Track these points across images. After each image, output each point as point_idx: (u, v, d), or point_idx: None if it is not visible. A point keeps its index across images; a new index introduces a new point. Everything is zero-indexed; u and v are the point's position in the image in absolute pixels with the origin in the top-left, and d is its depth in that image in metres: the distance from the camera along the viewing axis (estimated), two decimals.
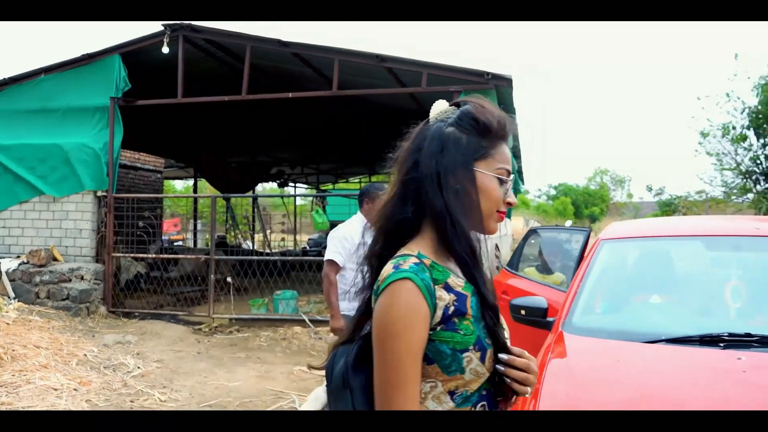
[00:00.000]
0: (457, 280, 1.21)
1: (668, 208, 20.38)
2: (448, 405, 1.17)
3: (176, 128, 12.54)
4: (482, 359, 1.17)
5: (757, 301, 2.75)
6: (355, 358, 1.23)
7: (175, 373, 5.94)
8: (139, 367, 5.99)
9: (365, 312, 1.28)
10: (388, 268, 1.17)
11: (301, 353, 6.86)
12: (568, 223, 12.01)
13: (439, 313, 1.15)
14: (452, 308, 1.16)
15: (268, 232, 17.27)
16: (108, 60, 8.65)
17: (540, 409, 2.08)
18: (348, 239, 3.83)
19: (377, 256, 1.28)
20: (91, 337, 7.11)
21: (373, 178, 22.23)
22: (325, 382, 1.30)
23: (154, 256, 9.26)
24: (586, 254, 3.32)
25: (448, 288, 1.19)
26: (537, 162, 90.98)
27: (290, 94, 8.48)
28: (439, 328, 1.15)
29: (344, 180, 21.76)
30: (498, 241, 8.01)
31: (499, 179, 1.25)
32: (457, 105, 1.31)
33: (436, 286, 1.17)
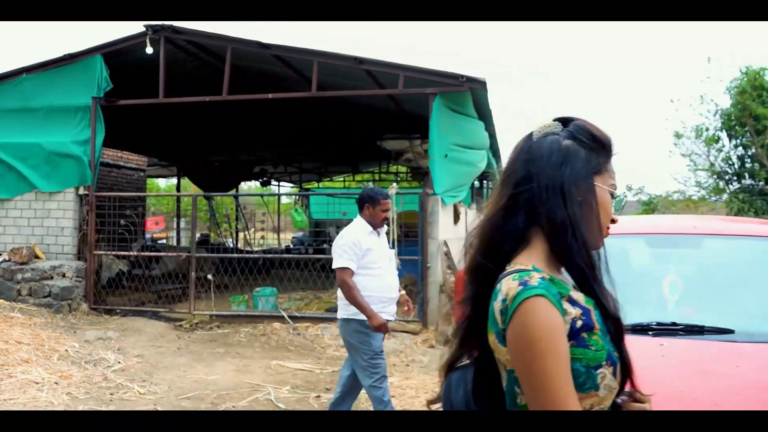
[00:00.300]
0: (578, 294, 1.20)
1: (648, 207, 20.80)
2: None
3: (159, 127, 12.63)
4: (614, 374, 1.17)
5: (690, 294, 2.97)
6: (474, 388, 1.22)
7: (155, 367, 6.10)
8: (119, 362, 6.13)
9: (472, 326, 1.26)
10: (513, 285, 1.14)
11: (280, 348, 7.03)
12: None
13: (567, 327, 1.13)
14: (580, 322, 1.14)
15: (252, 230, 17.37)
16: (90, 60, 8.75)
17: None
18: (358, 245, 3.89)
19: (480, 267, 1.25)
20: (72, 334, 7.23)
21: (357, 177, 22.43)
22: None
23: (135, 253, 9.38)
24: None
25: (572, 302, 1.17)
26: None
27: (270, 95, 8.64)
28: (570, 344, 1.12)
29: (328, 179, 21.91)
30: (449, 242, 8.23)
31: (612, 194, 1.28)
32: (561, 120, 1.31)
33: (561, 300, 1.15)
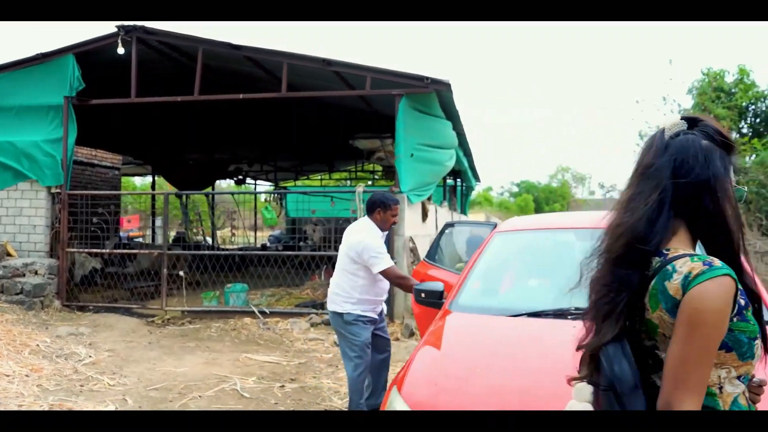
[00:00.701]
0: None
1: None
2: (740, 388, 1.31)
3: (134, 126, 12.72)
4: (762, 346, 1.33)
5: None
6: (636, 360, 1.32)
7: (125, 360, 6.26)
8: (90, 356, 6.29)
9: (617, 305, 1.34)
10: (697, 265, 1.27)
11: (249, 342, 7.23)
12: (482, 217, 12.61)
13: (734, 305, 1.27)
14: (742, 300, 1.29)
15: (228, 228, 17.49)
16: (62, 60, 8.85)
17: (412, 360, 2.55)
18: (383, 246, 4.14)
19: (633, 254, 1.35)
20: (44, 330, 7.35)
21: (335, 176, 22.62)
22: (580, 381, 1.41)
23: (108, 251, 9.49)
24: (482, 245, 3.80)
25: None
26: (501, 160, 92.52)
27: (241, 96, 8.82)
28: (735, 319, 1.27)
29: (305, 177, 22.07)
30: (415, 238, 8.52)
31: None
32: (687, 120, 1.42)
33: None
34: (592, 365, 1.39)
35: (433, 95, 8.48)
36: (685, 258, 1.30)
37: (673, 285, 1.28)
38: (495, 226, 4.74)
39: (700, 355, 1.23)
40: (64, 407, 4.74)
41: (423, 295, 3.47)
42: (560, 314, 2.86)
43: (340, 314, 4.18)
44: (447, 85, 8.11)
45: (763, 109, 13.52)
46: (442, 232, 5.56)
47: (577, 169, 64.75)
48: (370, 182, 19.88)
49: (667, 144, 1.39)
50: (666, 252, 1.35)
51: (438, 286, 3.46)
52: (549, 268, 3.53)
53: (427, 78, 7.97)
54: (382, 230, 4.25)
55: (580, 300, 3.10)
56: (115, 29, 8.65)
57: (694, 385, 1.23)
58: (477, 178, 18.95)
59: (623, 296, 1.34)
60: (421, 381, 2.42)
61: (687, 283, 1.26)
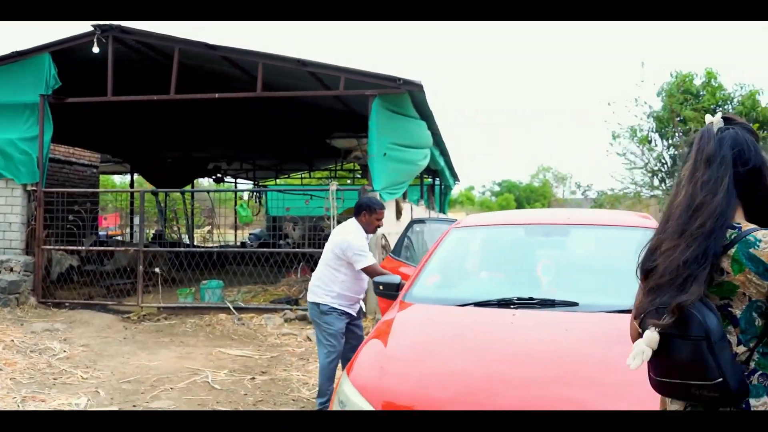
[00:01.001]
0: None
1: (595, 203, 21.69)
2: None
3: (111, 124, 12.75)
4: None
5: (556, 275, 3.48)
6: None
7: (99, 355, 6.37)
8: (64, 351, 6.39)
9: (705, 270, 1.56)
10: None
11: (223, 338, 7.37)
12: (464, 216, 12.93)
13: None
14: None
15: (207, 227, 17.55)
16: (38, 58, 8.89)
17: (362, 347, 2.74)
18: (366, 246, 4.42)
19: (718, 230, 1.59)
20: (19, 326, 7.42)
21: (316, 174, 22.74)
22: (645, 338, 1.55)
23: (84, 248, 9.56)
24: (438, 240, 4.00)
25: None
26: (484, 159, 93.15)
27: (216, 95, 8.94)
28: None
29: (285, 176, 22.17)
30: (389, 236, 8.74)
31: None
32: (727, 119, 1.74)
33: None
34: (675, 319, 1.55)
35: (406, 96, 8.67)
36: (763, 231, 1.58)
37: (762, 252, 1.54)
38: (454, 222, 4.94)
39: None
40: (37, 400, 4.85)
41: (381, 287, 3.66)
42: (504, 304, 3.06)
43: (318, 304, 4.44)
44: (419, 86, 8.30)
45: (730, 110, 13.92)
46: (407, 229, 5.75)
47: (559, 169, 65.36)
48: (349, 181, 20.05)
49: (721, 137, 1.67)
50: (738, 225, 1.61)
51: (395, 278, 3.66)
52: (498, 261, 3.75)
53: (400, 79, 8.15)
54: (367, 232, 4.51)
55: (522, 291, 3.31)
56: (92, 28, 8.72)
57: None
58: (456, 178, 19.22)
59: (709, 262, 1.57)
60: (367, 365, 2.60)
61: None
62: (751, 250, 1.55)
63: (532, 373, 2.34)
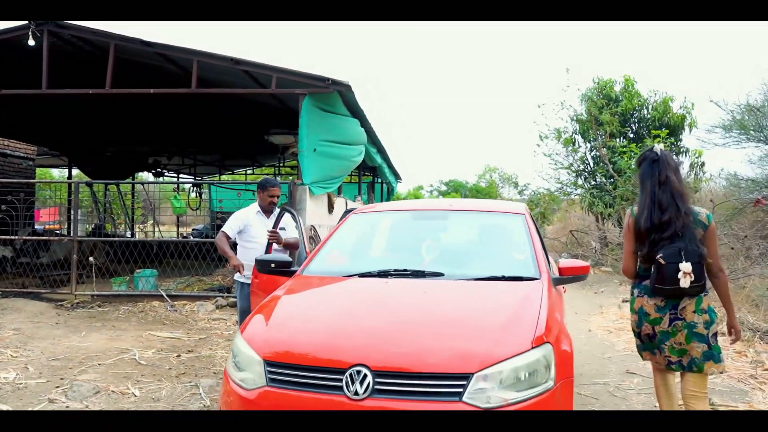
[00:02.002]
0: None
1: (531, 202, 22.64)
2: None
3: (49, 117, 12.76)
4: None
5: (434, 253, 4.05)
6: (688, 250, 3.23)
7: (30, 338, 6.62)
8: None
9: (675, 232, 3.24)
10: (705, 210, 3.37)
11: (155, 323, 7.69)
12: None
13: None
14: None
15: (149, 221, 17.60)
16: None
17: (256, 310, 3.22)
18: (240, 218, 4.99)
19: (687, 212, 3.26)
20: None
21: (266, 171, 22.96)
22: None
23: (16, 237, 9.65)
24: (338, 223, 4.51)
25: None
26: (432, 159, 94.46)
27: (152, 90, 9.21)
28: None
29: (229, 171, 22.30)
30: (320, 228, 9.26)
31: None
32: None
33: None
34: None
35: (336, 95, 9.16)
36: (699, 209, 3.37)
37: (702, 218, 3.31)
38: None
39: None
40: None
41: (273, 265, 4.08)
42: (383, 275, 3.60)
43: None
44: (347, 86, 8.81)
45: (645, 115, 15.01)
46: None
47: (505, 170, 67.26)
48: (290, 177, 20.37)
49: (667, 155, 3.42)
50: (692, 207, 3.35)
51: (285, 258, 4.11)
52: (388, 242, 4.30)
53: (329, 79, 8.64)
54: (263, 208, 5.03)
55: (406, 266, 3.84)
56: (26, 21, 8.85)
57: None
58: (397, 177, 19.83)
59: (681, 229, 3.24)
60: (256, 322, 3.09)
61: (708, 218, 3.32)
62: (698, 218, 3.29)
63: (383, 320, 2.89)
